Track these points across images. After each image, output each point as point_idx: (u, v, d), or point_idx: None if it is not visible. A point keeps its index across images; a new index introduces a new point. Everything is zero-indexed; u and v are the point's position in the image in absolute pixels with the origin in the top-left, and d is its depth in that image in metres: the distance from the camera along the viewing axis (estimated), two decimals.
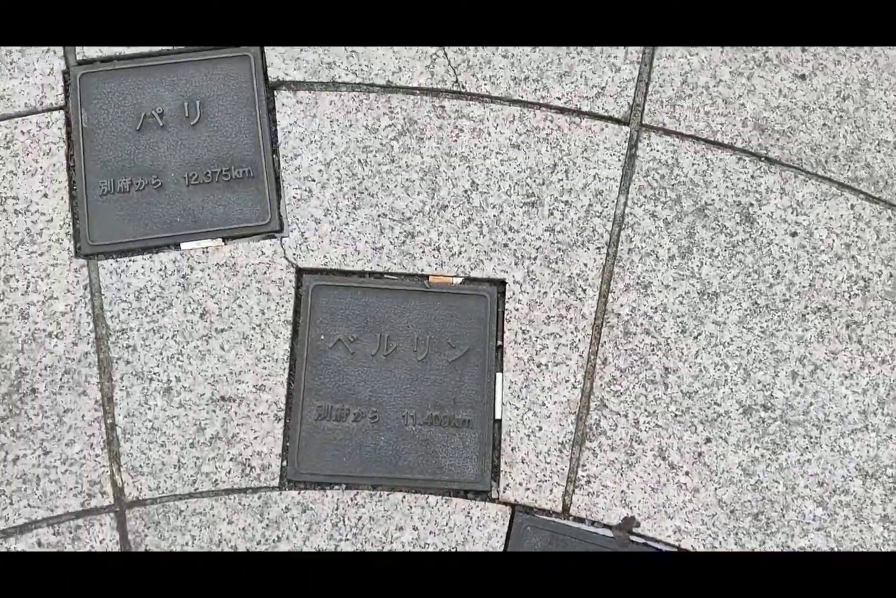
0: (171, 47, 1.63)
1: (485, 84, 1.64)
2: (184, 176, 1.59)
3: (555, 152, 1.62)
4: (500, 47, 1.64)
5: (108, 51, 1.63)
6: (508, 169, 1.61)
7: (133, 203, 1.59)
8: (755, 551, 1.50)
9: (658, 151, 1.62)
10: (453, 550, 1.48)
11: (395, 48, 1.64)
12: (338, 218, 1.59)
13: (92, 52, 1.63)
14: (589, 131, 1.63)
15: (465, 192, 1.61)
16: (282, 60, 1.64)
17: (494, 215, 1.60)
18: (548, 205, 1.60)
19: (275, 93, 1.63)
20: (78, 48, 1.62)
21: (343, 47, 1.64)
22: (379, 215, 1.59)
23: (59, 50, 1.62)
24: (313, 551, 1.47)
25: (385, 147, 1.62)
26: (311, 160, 1.61)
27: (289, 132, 1.62)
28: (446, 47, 1.65)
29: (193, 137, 1.61)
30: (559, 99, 1.64)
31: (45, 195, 1.58)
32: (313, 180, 1.60)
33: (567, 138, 1.62)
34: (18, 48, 1.62)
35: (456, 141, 1.62)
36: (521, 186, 1.61)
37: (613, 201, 1.61)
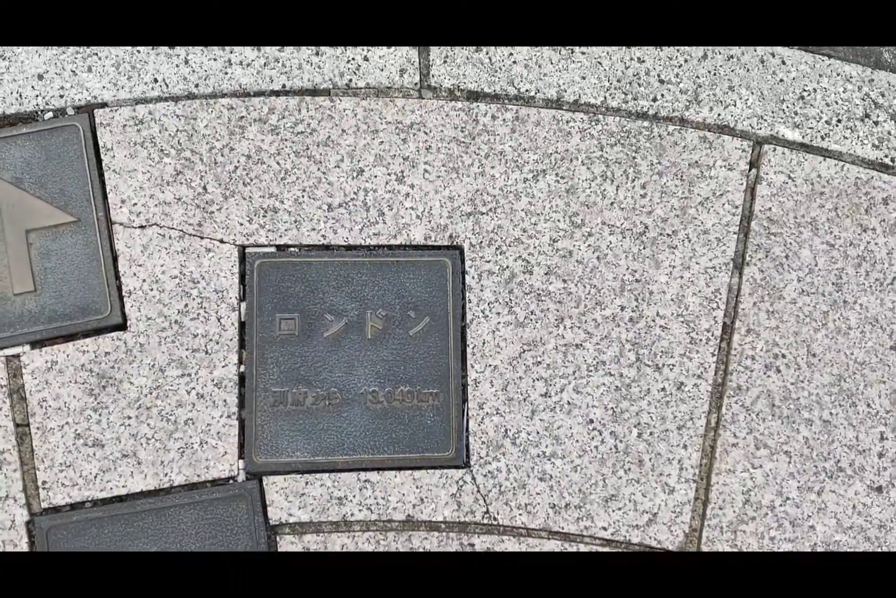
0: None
1: (520, 514, 1.43)
2: None
3: None
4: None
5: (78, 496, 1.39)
6: None
7: None
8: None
9: None
10: None
11: (416, 474, 1.41)
12: None
13: (59, 498, 1.38)
14: None
15: None
16: (284, 497, 1.41)
17: None
18: None
19: (277, 538, 1.41)
20: (42, 494, 1.38)
21: (356, 477, 1.41)
22: None
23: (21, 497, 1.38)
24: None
25: None
26: None
27: None
28: (474, 470, 1.42)
29: None
30: (605, 529, 1.43)
31: None
32: None
33: None
34: None
35: None
36: None
37: None
